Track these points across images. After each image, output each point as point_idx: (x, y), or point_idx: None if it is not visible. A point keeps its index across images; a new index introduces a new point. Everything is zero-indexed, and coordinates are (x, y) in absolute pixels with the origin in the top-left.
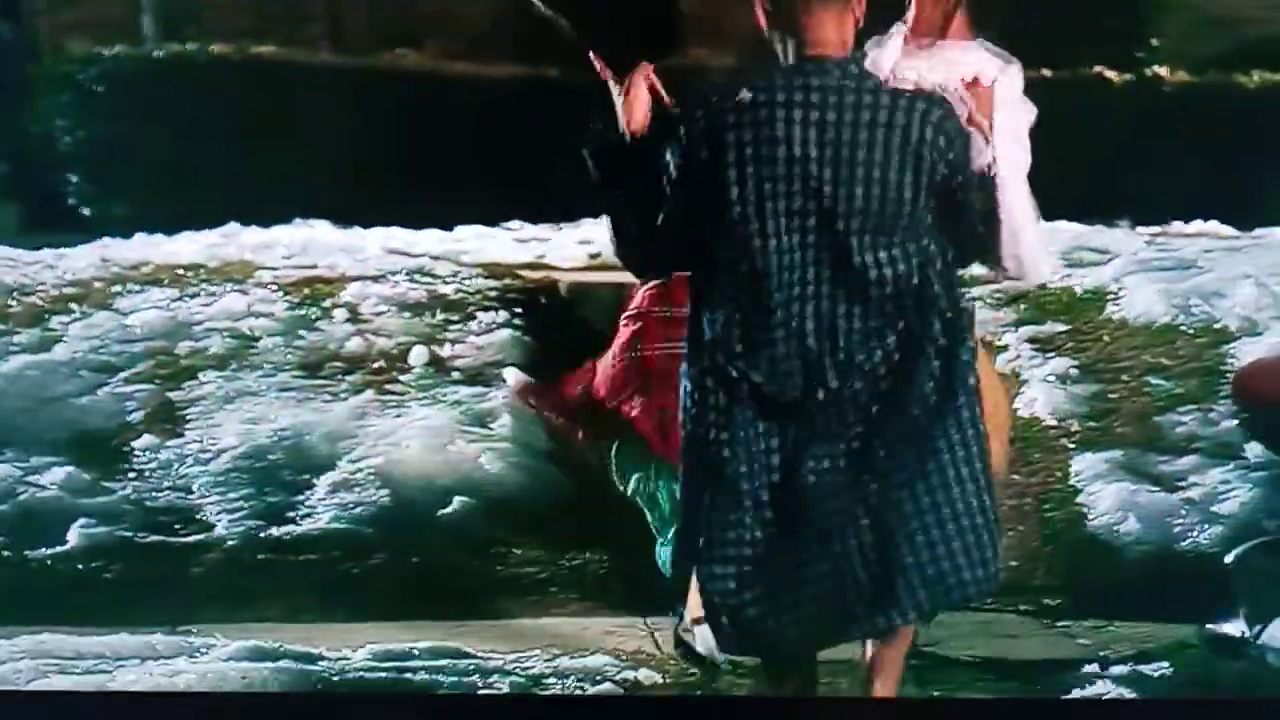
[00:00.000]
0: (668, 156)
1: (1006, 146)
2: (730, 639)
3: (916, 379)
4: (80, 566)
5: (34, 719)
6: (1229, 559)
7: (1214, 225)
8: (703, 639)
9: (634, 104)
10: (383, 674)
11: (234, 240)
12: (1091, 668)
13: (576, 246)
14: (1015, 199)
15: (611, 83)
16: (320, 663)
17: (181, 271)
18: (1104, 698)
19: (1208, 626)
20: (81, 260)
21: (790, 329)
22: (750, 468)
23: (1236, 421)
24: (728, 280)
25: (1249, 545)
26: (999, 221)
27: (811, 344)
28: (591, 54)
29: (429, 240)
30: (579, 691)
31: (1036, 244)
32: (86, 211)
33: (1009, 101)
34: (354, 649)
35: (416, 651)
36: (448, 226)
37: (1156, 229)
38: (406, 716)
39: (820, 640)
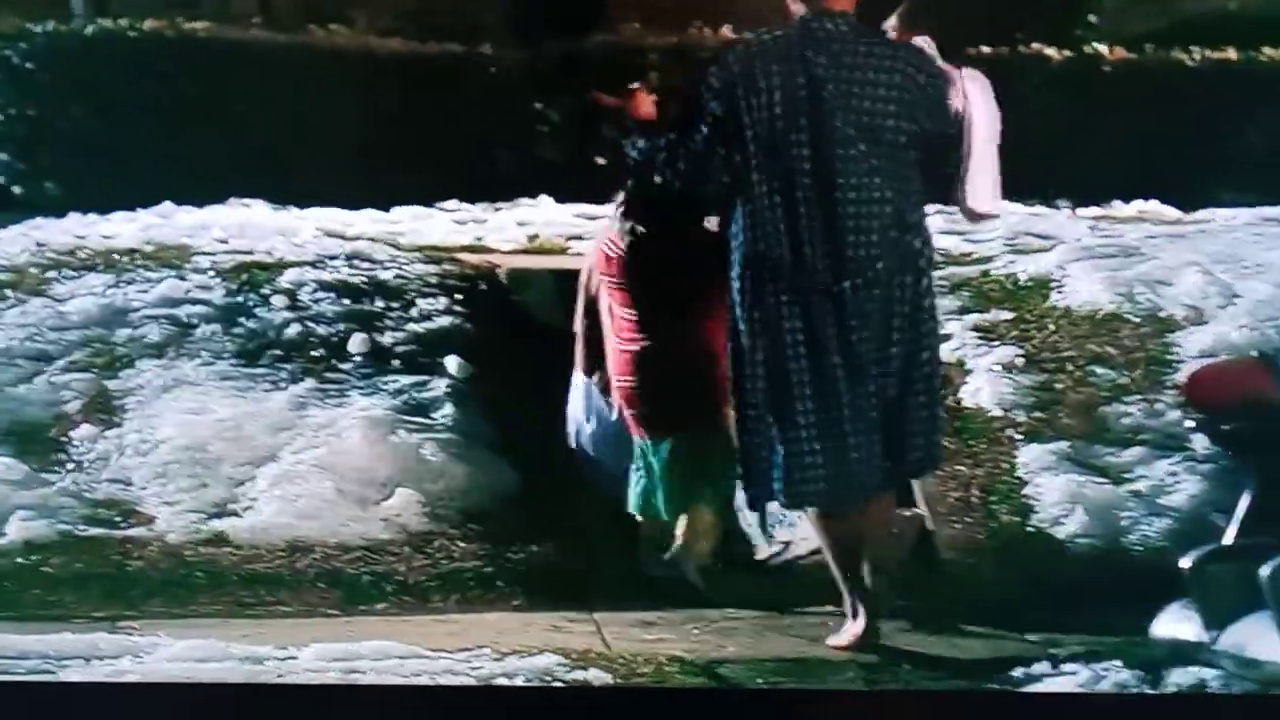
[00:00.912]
0: (708, 93)
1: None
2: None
3: (904, 290)
4: (20, 560)
5: None
6: (1184, 564)
7: (1155, 205)
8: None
9: (640, 107)
10: (331, 674)
11: (170, 220)
12: (1042, 666)
13: (515, 228)
14: (980, 142)
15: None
16: (267, 662)
17: (118, 256)
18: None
19: (1163, 631)
20: (15, 245)
21: (812, 234)
22: (795, 352)
23: (1193, 424)
24: (758, 193)
25: (1204, 551)
26: (966, 157)
27: (827, 248)
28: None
29: (365, 221)
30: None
31: (993, 187)
32: (16, 190)
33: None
34: (300, 647)
35: (364, 651)
36: (384, 207)
37: (1098, 210)
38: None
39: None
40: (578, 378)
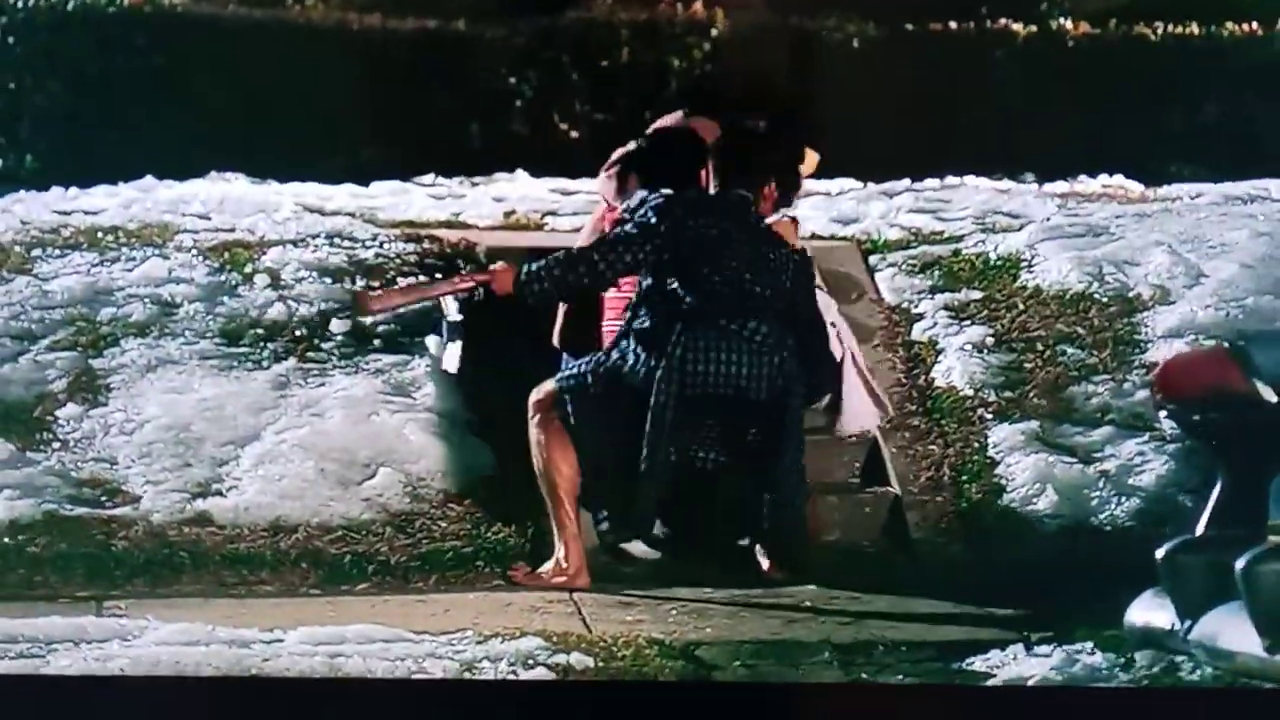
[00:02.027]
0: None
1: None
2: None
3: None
4: (6, 540)
5: None
6: (1158, 554)
7: (1119, 180)
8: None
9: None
10: (316, 658)
11: (150, 195)
12: (1015, 648)
13: (492, 204)
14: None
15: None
16: (254, 645)
17: (101, 235)
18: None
19: (1136, 619)
20: (0, 224)
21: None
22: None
23: (1164, 415)
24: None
25: (1177, 541)
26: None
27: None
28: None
29: (343, 196)
30: (512, 676)
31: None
32: None
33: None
34: (285, 630)
35: (349, 635)
36: (361, 181)
37: (1064, 185)
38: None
39: None
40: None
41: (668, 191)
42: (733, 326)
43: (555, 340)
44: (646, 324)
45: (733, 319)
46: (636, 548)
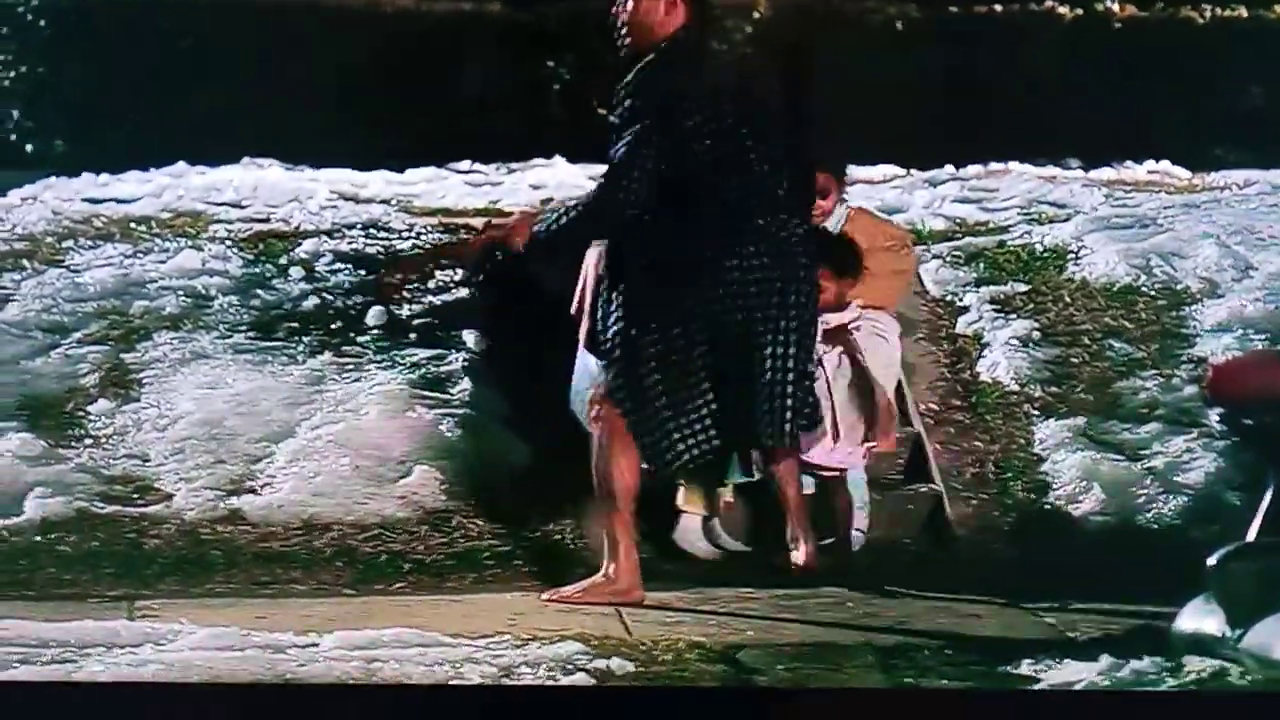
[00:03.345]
0: None
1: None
2: None
3: None
4: (37, 538)
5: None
6: (1209, 562)
7: (1166, 166)
8: (690, 544)
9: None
10: (352, 663)
11: (183, 181)
12: (1061, 651)
13: (529, 191)
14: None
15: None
16: (289, 650)
17: (134, 225)
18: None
19: (1186, 625)
20: (32, 214)
21: None
22: None
23: (1216, 418)
24: None
25: (1229, 549)
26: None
27: None
28: None
29: (378, 183)
30: (551, 682)
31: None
32: (28, 148)
33: None
34: (320, 635)
35: (384, 639)
36: (396, 168)
37: (1110, 172)
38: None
39: None
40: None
41: None
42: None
43: (582, 343)
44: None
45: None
46: (701, 547)
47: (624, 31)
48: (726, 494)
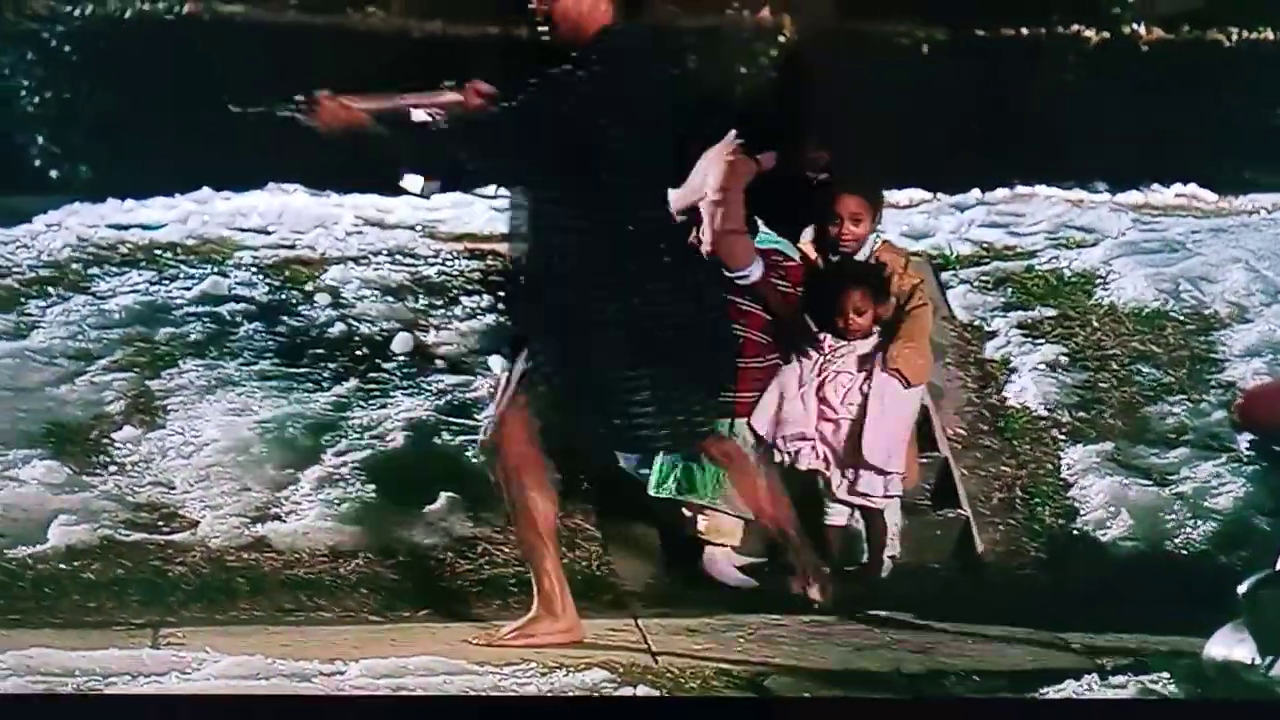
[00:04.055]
0: None
1: None
2: None
3: None
4: (61, 566)
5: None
6: (1240, 590)
7: (1193, 189)
8: (720, 572)
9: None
10: (377, 691)
11: (208, 207)
12: (1090, 678)
13: None
14: None
15: None
16: (315, 679)
17: (159, 252)
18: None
19: (1216, 652)
20: (57, 240)
21: None
22: None
23: (1245, 445)
24: None
25: (1259, 577)
26: None
27: None
28: None
29: (404, 209)
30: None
31: None
32: (53, 174)
33: None
34: (346, 662)
35: (411, 667)
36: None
37: (1137, 195)
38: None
39: None
40: None
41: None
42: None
43: None
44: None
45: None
46: (730, 575)
47: (546, 22)
48: (740, 526)
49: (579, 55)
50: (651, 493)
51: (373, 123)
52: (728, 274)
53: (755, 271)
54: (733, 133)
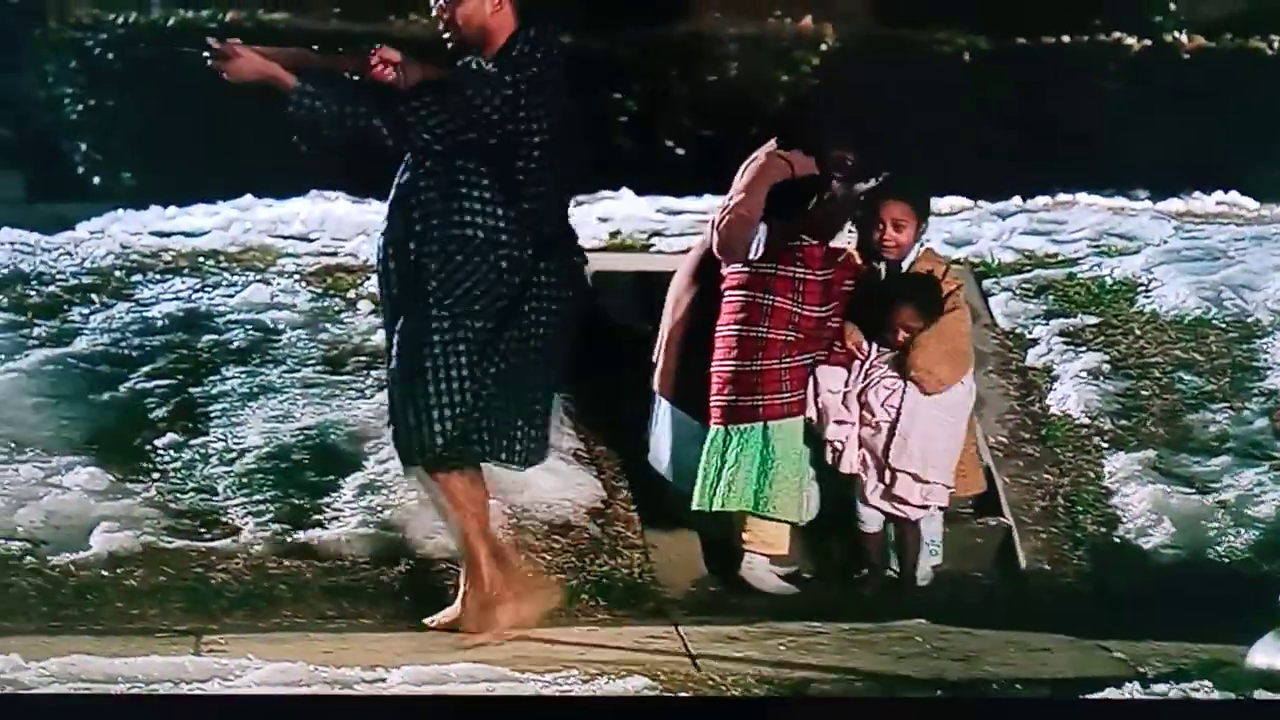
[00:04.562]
0: None
1: None
2: None
3: None
4: (104, 573)
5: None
6: None
7: (1234, 196)
8: (760, 579)
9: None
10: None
11: (250, 214)
12: (1131, 685)
13: (596, 224)
14: None
15: None
16: (356, 687)
17: (202, 259)
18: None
19: (1259, 661)
20: (100, 248)
21: None
22: None
23: None
24: None
25: None
26: None
27: None
28: None
29: None
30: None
31: None
32: (96, 181)
33: None
34: (388, 669)
35: (453, 674)
36: None
37: (1178, 203)
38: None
39: None
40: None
41: None
42: None
43: (655, 385)
44: None
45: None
46: (770, 583)
47: (448, 28)
48: (787, 533)
49: (496, 58)
50: (696, 506)
51: (292, 78)
52: (724, 266)
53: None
54: (773, 141)
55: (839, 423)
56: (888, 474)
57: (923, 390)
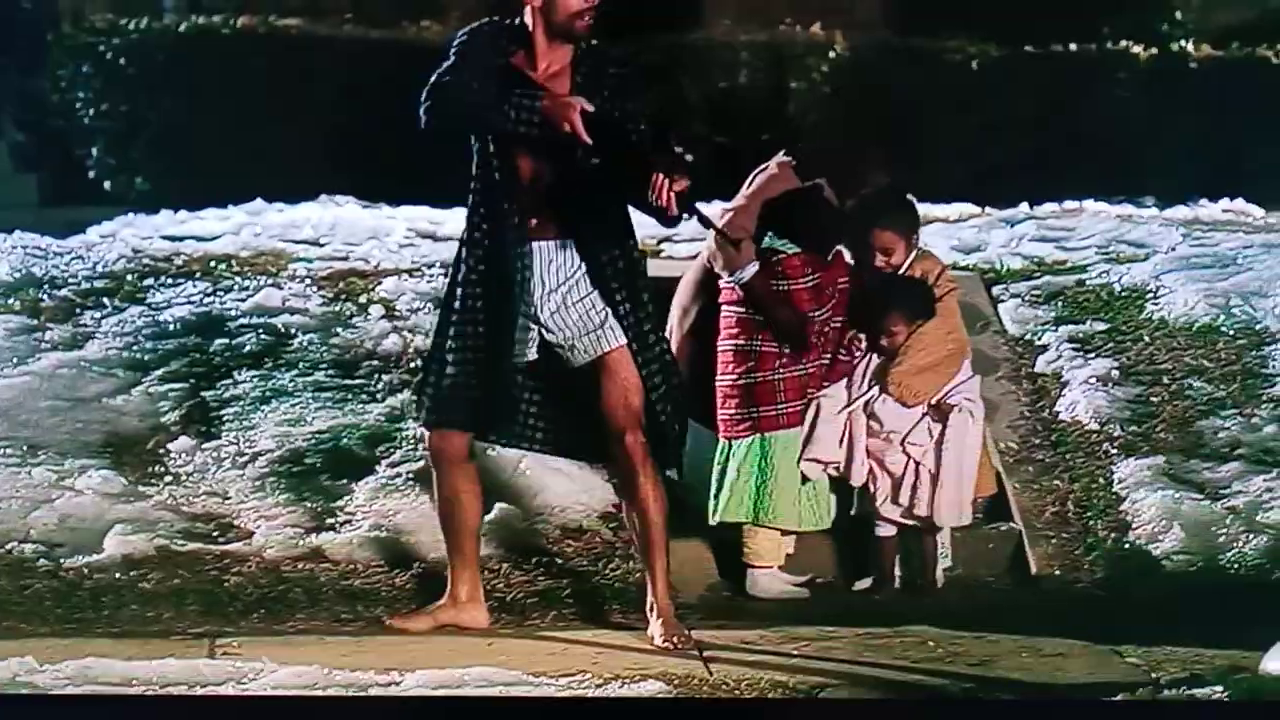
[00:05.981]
0: None
1: None
2: None
3: None
4: (118, 575)
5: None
6: None
7: (1241, 204)
8: (765, 589)
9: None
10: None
11: (260, 219)
12: (1144, 691)
13: None
14: None
15: None
16: (371, 689)
17: (214, 263)
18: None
19: (1273, 666)
20: (113, 252)
21: None
22: None
23: None
24: None
25: None
26: None
27: None
28: None
29: (456, 220)
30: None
31: None
32: (108, 185)
33: None
34: (403, 673)
35: (468, 678)
36: None
37: (1185, 210)
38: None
39: None
40: None
41: None
42: None
43: None
44: None
45: None
46: (776, 590)
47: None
48: (788, 544)
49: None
50: (713, 521)
51: None
52: (724, 279)
53: (747, 272)
54: (782, 152)
55: (815, 461)
56: (914, 507)
57: (901, 403)
